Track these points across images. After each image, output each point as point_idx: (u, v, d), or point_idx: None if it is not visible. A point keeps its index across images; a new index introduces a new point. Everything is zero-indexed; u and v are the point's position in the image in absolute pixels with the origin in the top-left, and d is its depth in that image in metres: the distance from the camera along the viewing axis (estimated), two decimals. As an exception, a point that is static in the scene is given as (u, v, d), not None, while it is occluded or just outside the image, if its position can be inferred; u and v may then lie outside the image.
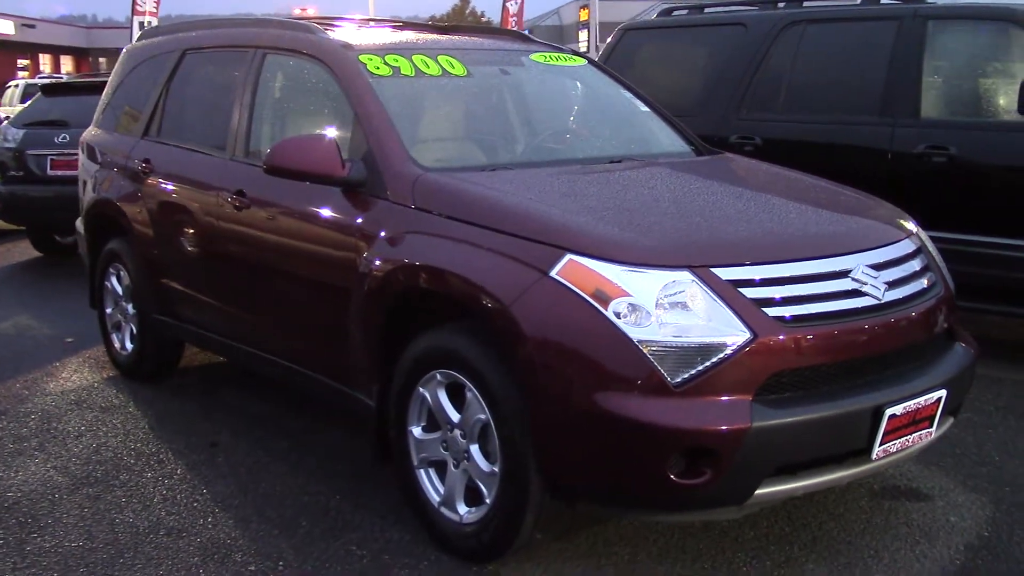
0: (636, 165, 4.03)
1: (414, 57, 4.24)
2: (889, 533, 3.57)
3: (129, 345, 5.55)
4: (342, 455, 4.39)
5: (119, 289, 5.57)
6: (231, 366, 5.66)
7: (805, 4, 6.67)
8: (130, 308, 5.47)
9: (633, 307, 2.92)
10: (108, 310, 5.73)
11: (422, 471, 3.53)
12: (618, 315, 2.92)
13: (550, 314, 3.02)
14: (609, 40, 7.45)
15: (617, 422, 2.89)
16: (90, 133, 6.03)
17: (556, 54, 4.74)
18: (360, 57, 4.14)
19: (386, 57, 4.18)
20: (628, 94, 4.72)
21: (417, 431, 3.53)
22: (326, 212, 3.92)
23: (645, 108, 4.66)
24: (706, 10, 7.17)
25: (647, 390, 2.88)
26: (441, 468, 3.48)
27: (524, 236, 3.16)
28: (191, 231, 4.79)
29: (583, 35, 34.30)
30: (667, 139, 4.53)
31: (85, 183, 5.96)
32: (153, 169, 5.12)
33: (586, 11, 38.92)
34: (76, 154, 8.70)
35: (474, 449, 3.30)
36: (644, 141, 4.48)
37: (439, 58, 4.28)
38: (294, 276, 4.12)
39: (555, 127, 4.39)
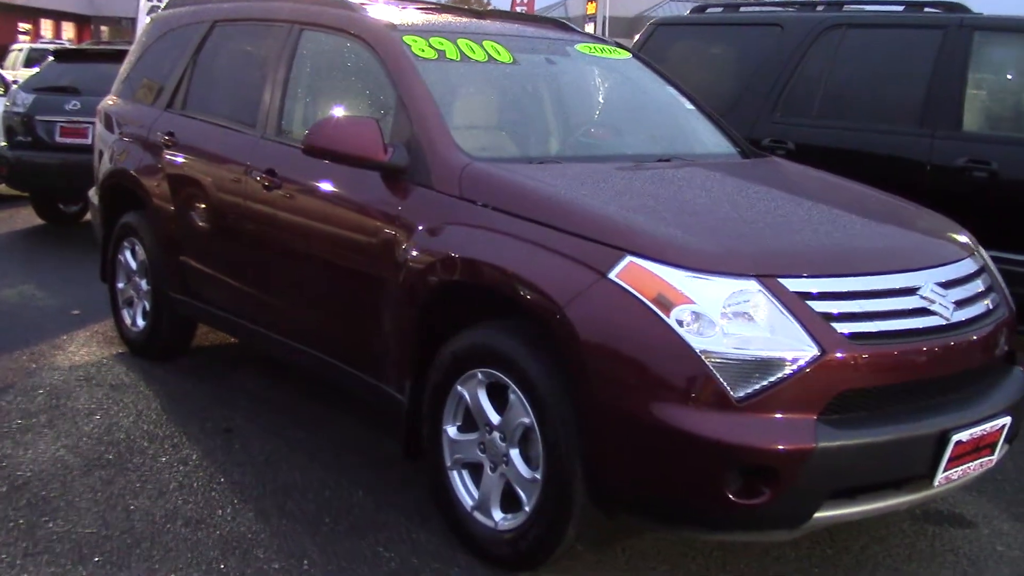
0: (686, 164, 3.89)
1: (459, 41, 4.09)
2: (936, 560, 3.45)
3: (141, 322, 5.39)
4: (361, 447, 4.24)
5: (133, 264, 5.41)
6: (243, 348, 5.51)
7: (845, 8, 6.53)
8: (144, 284, 5.32)
9: (697, 315, 2.79)
10: (120, 285, 5.56)
11: (455, 472, 3.40)
12: (680, 323, 2.79)
13: (607, 318, 2.88)
14: (640, 35, 7.30)
15: (674, 434, 2.76)
16: (109, 102, 5.86)
17: (601, 46, 4.60)
18: (404, 38, 3.99)
19: (431, 40, 4.03)
20: (673, 90, 4.57)
21: (452, 431, 3.39)
22: (363, 197, 3.77)
23: (690, 106, 4.52)
24: (741, 9, 7.02)
25: (708, 403, 2.75)
26: (476, 470, 3.35)
27: (581, 234, 3.02)
28: (215, 209, 4.63)
29: (589, 28, 34.12)
30: (713, 139, 4.39)
31: (101, 153, 5.79)
32: (177, 142, 4.96)
33: (593, 4, 38.74)
34: (86, 122, 8.70)
35: (514, 453, 3.17)
36: (690, 140, 4.34)
37: (484, 43, 4.13)
38: (325, 262, 3.97)
39: (602, 121, 4.24)
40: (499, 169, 3.44)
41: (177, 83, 5.16)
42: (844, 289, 2.91)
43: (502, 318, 3.26)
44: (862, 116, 5.94)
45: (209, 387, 4.97)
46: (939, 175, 5.55)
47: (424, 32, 4.07)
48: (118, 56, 9.51)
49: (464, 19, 4.46)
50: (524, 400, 3.08)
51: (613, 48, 4.62)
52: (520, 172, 3.43)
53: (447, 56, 3.99)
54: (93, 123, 8.50)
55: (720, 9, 7.10)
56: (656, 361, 2.80)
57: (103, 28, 56.30)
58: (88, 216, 9.74)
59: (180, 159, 4.91)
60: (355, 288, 3.81)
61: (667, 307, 2.80)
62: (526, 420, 3.09)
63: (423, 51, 3.95)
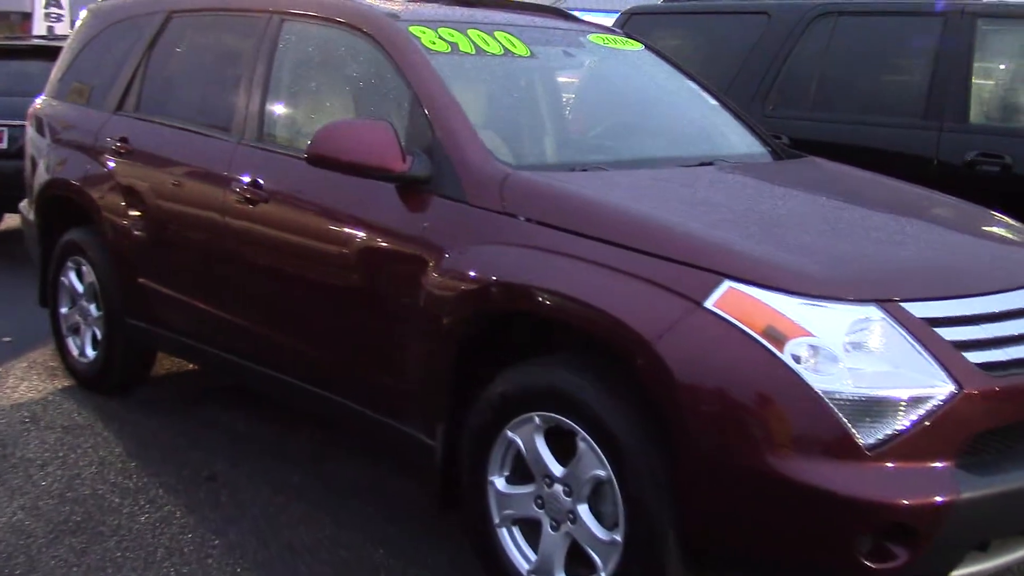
0: (734, 169, 3.51)
1: (469, 32, 3.62)
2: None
3: (91, 351, 4.79)
4: (369, 492, 3.76)
5: (79, 287, 4.80)
6: (206, 376, 4.95)
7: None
8: (93, 309, 4.71)
9: (815, 349, 2.39)
10: (63, 310, 4.94)
11: (505, 530, 2.94)
12: (797, 359, 2.39)
13: (706, 354, 2.46)
14: (612, 24, 6.90)
15: (794, 490, 2.36)
16: (42, 104, 5.21)
17: (613, 37, 4.18)
18: (411, 29, 3.51)
19: (439, 30, 3.55)
20: (693, 84, 4.17)
21: (500, 482, 2.94)
22: (375, 213, 3.29)
23: (713, 101, 4.13)
24: (718, -4, 6.68)
25: (833, 452, 2.36)
26: (531, 527, 2.90)
27: (665, 256, 2.60)
28: (185, 225, 4.08)
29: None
30: (744, 138, 4.01)
31: (35, 161, 5.15)
32: (132, 149, 4.37)
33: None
34: (1, 125, 7.93)
35: (583, 510, 2.73)
36: (722, 139, 3.95)
37: (496, 35, 3.68)
38: (327, 287, 3.47)
39: (631, 120, 3.82)
40: (549, 179, 2.99)
41: (128, 83, 4.56)
42: (969, 312, 2.55)
43: (559, 352, 2.82)
44: (861, 109, 5.65)
45: (177, 424, 4.41)
46: (947, 170, 5.28)
47: (430, 22, 3.60)
48: (32, 52, 8.80)
49: (466, 8, 3.98)
50: (597, 449, 2.65)
51: (625, 39, 4.21)
52: (572, 182, 2.99)
53: (460, 49, 3.52)
54: (8, 126, 7.93)
55: (696, -2, 6.75)
56: (769, 404, 2.40)
57: (-9, 23, 53.78)
58: (3, 227, 9.06)
59: (137, 168, 4.33)
60: (367, 318, 3.33)
61: (779, 341, 2.40)
62: (600, 473, 2.66)
63: (433, 43, 3.47)
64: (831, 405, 2.35)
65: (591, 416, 2.65)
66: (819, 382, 2.36)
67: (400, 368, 3.23)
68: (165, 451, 4.10)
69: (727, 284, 2.49)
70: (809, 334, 2.40)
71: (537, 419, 2.80)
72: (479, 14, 3.89)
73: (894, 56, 5.62)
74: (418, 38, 3.46)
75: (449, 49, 3.48)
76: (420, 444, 3.19)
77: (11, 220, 8.92)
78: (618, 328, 2.56)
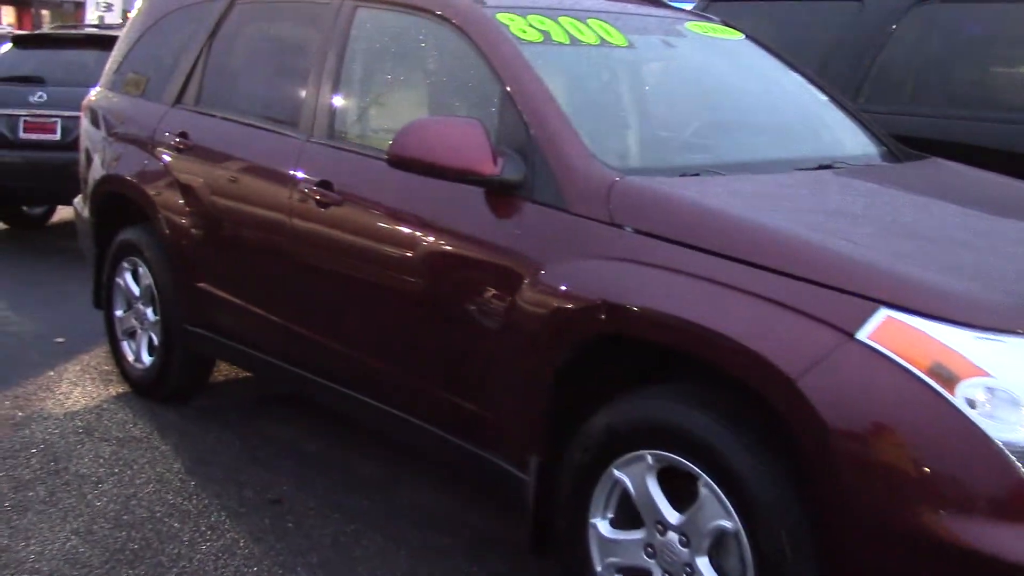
0: (856, 173, 3.15)
1: (561, 20, 3.30)
2: None
3: (147, 358, 4.54)
4: (447, 521, 3.45)
5: (135, 289, 4.55)
6: (263, 385, 4.68)
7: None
8: (150, 313, 4.46)
9: (992, 392, 2.04)
10: (118, 313, 4.70)
11: (609, 579, 2.63)
12: (971, 403, 2.04)
13: (860, 394, 2.13)
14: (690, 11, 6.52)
15: (965, 557, 2.02)
16: (97, 96, 4.97)
17: (712, 25, 3.83)
18: (498, 16, 3.19)
19: (529, 18, 3.23)
20: (799, 77, 3.81)
21: (603, 525, 2.62)
22: (459, 219, 2.98)
23: (823, 96, 3.76)
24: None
25: (1014, 515, 2.01)
26: (640, 578, 2.58)
27: (806, 278, 2.26)
28: (246, 227, 3.81)
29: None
30: (858, 137, 3.64)
31: (89, 155, 4.91)
32: (192, 145, 4.10)
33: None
34: (54, 116, 7.75)
35: (702, 564, 2.40)
36: (834, 139, 3.58)
37: (589, 22, 3.35)
38: (404, 299, 3.16)
39: (736, 117, 3.46)
40: (664, 186, 2.66)
41: (188, 74, 4.29)
42: None
43: (683, 384, 2.50)
44: (965, 103, 5.23)
45: (237, 438, 4.14)
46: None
47: (519, 8, 3.27)
48: (86, 42, 8.60)
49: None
50: (723, 497, 2.32)
51: (724, 27, 3.85)
52: (690, 189, 2.66)
53: (553, 38, 3.19)
54: (61, 117, 7.74)
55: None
56: (938, 455, 2.06)
57: (44, 12, 54.26)
58: (55, 219, 8.90)
59: (197, 165, 4.06)
60: (449, 335, 3.02)
61: (949, 381, 2.05)
62: (725, 524, 2.33)
63: (524, 32, 3.15)
64: (1012, 459, 2.00)
65: (716, 459, 2.32)
66: (998, 431, 2.02)
67: (486, 391, 2.92)
68: (226, 469, 3.84)
69: (884, 313, 2.14)
70: (986, 374, 2.05)
71: (650, 458, 2.47)
72: (568, 0, 3.56)
73: (1006, 46, 5.20)
74: (507, 26, 3.14)
75: (541, 39, 3.16)
76: (507, 475, 2.89)
77: (62, 212, 8.78)
78: (753, 361, 2.23)
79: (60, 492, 3.61)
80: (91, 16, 19.94)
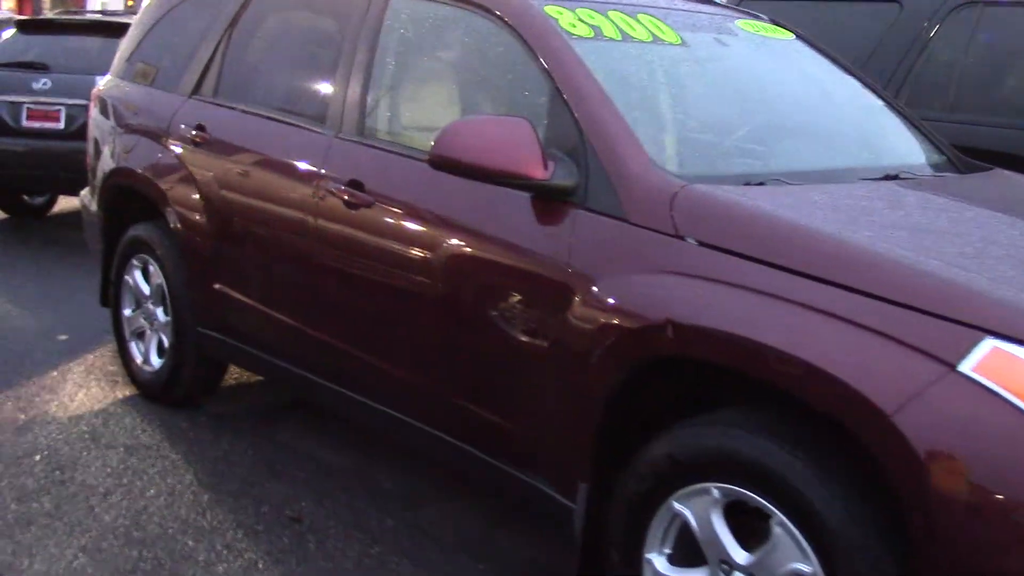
0: (926, 185, 2.96)
1: (611, 14, 3.10)
2: None
3: (156, 360, 4.33)
4: (478, 546, 3.25)
5: (145, 288, 4.35)
6: (277, 391, 4.48)
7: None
8: (161, 314, 4.25)
9: (1113, 434, 1.86)
10: (126, 312, 4.49)
11: (664, 620, 2.44)
12: (1087, 445, 1.85)
13: (963, 431, 1.93)
14: (719, 10, 6.32)
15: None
16: (108, 84, 4.76)
17: (762, 24, 3.63)
18: (546, 9, 2.99)
19: (577, 11, 3.03)
20: (854, 80, 3.61)
21: (660, 562, 2.42)
22: (503, 225, 2.78)
23: (878, 101, 3.56)
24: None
25: None
26: (699, 620, 2.39)
27: (900, 302, 2.06)
28: (268, 227, 3.61)
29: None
30: (914, 145, 3.45)
31: (98, 145, 4.70)
32: (210, 139, 3.90)
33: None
34: (58, 104, 7.53)
35: (774, 609, 2.21)
36: (894, 147, 3.39)
37: (639, 18, 3.15)
38: (440, 309, 2.96)
39: (798, 123, 3.26)
40: (735, 196, 2.46)
41: (207, 63, 4.08)
42: None
43: (754, 410, 2.30)
44: (1011, 111, 5.04)
45: (251, 447, 3.94)
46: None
47: (567, 1, 3.07)
48: (92, 28, 8.37)
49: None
50: (800, 538, 2.13)
51: (774, 26, 3.66)
52: (762, 199, 2.46)
53: (604, 34, 3.00)
54: (65, 105, 7.52)
55: (813, -18, 6.14)
56: (1049, 501, 1.87)
57: (44, -2, 53.90)
58: (56, 209, 8.68)
59: (215, 160, 3.86)
60: (488, 349, 2.82)
61: (1063, 420, 1.87)
62: (802, 568, 2.13)
63: (574, 27, 2.95)
64: None
65: (793, 495, 2.13)
66: (1120, 477, 1.83)
67: (528, 410, 2.73)
68: (241, 481, 3.64)
69: (989, 343, 1.95)
70: (1108, 415, 1.86)
71: (716, 492, 2.28)
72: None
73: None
74: (556, 20, 2.94)
75: (592, 34, 2.96)
76: (551, 501, 2.69)
77: (64, 202, 8.58)
78: (842, 393, 2.03)
79: (66, 504, 3.41)
80: (93, 3, 19.69)
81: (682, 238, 2.42)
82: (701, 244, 2.39)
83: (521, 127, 2.62)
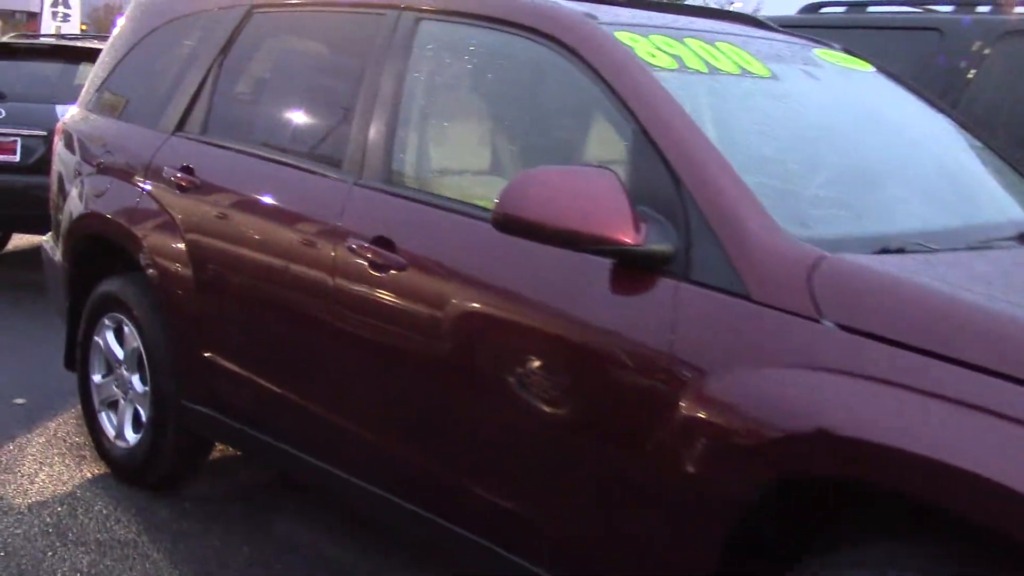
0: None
1: (688, 42, 2.62)
2: None
3: (131, 435, 3.75)
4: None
5: (119, 352, 3.78)
6: (263, 470, 3.91)
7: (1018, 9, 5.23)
8: (137, 382, 3.68)
9: None
10: (96, 378, 3.91)
11: None
12: None
13: None
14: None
15: None
16: (76, 117, 4.19)
17: (840, 54, 3.17)
18: (617, 35, 2.50)
19: (651, 38, 2.55)
20: (946, 119, 3.16)
21: None
22: (575, 299, 2.27)
23: (976, 142, 3.11)
24: (871, 9, 5.68)
25: None
26: None
27: None
28: (272, 289, 3.07)
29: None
30: (1024, 193, 3.00)
31: (64, 186, 4.13)
32: (199, 183, 3.35)
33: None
34: (13, 135, 6.92)
35: None
36: (1012, 196, 2.92)
37: (718, 46, 2.67)
38: (493, 398, 2.43)
39: (913, 170, 2.77)
40: (891, 269, 1.96)
41: (192, 96, 3.54)
42: None
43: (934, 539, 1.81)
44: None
45: (244, 543, 3.37)
46: None
47: (639, 27, 2.59)
48: (50, 53, 7.79)
49: (656, 12, 2.95)
50: None
51: (852, 57, 3.20)
52: (922, 272, 1.97)
53: (687, 65, 2.51)
54: (21, 136, 6.91)
55: (842, 9, 5.74)
56: None
57: (-7, 21, 52.67)
58: (10, 247, 8.04)
59: (205, 207, 3.31)
60: (557, 455, 2.30)
61: None
62: None
63: (653, 57, 2.46)
64: None
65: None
66: None
67: (612, 533, 2.21)
68: (236, 586, 3.08)
69: None
70: None
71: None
72: (682, 19, 2.89)
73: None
74: (632, 48, 2.45)
75: (675, 65, 2.47)
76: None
77: (18, 240, 7.96)
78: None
79: (28, 626, 2.83)
80: (47, 27, 18.90)
81: (818, 321, 1.93)
82: (844, 328, 1.90)
83: (607, 180, 2.12)
